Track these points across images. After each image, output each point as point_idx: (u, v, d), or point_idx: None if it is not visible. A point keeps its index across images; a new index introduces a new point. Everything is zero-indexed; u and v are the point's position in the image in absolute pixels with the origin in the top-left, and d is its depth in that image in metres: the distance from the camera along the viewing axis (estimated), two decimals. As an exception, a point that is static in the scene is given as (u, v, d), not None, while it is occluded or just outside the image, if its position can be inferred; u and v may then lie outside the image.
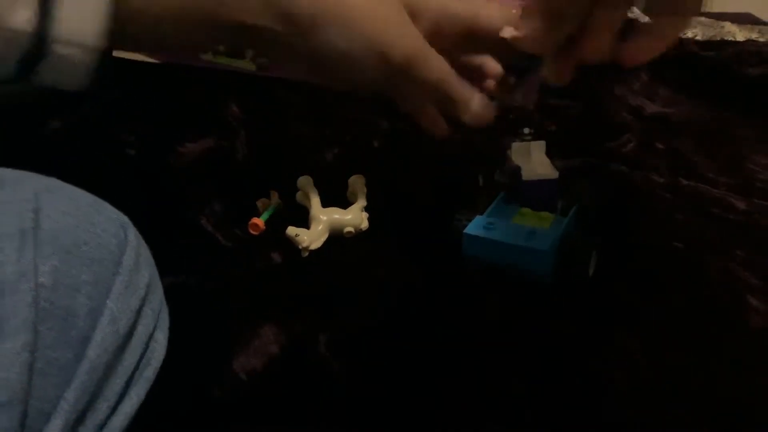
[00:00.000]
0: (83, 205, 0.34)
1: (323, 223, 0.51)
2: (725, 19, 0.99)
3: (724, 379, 0.40)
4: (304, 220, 0.52)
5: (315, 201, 0.53)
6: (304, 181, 0.55)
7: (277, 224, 0.52)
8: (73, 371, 0.29)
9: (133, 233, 0.35)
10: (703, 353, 0.42)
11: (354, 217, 0.52)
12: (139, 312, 0.34)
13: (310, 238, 0.50)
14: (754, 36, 0.96)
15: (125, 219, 0.36)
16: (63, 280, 0.30)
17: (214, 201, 0.57)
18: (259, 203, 0.55)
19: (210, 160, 0.63)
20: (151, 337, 0.35)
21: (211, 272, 0.49)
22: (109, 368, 0.31)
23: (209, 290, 0.47)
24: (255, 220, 0.53)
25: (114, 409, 0.32)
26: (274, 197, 0.56)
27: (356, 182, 0.56)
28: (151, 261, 0.37)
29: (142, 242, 0.36)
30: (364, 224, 0.53)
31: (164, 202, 0.57)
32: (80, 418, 0.29)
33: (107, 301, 0.31)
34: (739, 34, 0.96)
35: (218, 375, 0.40)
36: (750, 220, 0.56)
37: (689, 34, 0.96)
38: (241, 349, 0.42)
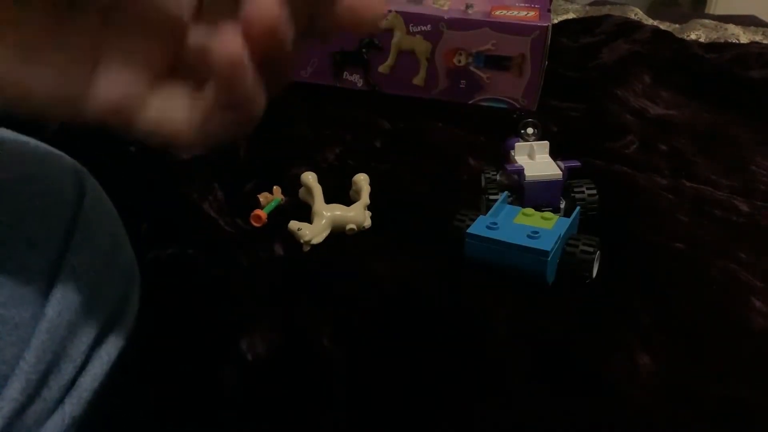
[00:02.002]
0: (35, 156, 0.32)
1: (326, 218, 0.51)
2: (729, 22, 0.99)
3: (726, 380, 0.40)
4: (306, 217, 0.52)
5: (318, 197, 0.53)
6: (308, 176, 0.55)
7: (279, 220, 0.52)
8: (32, 330, 0.28)
9: (91, 184, 0.33)
10: (705, 354, 0.42)
11: (357, 214, 0.52)
12: (104, 268, 0.32)
13: (312, 232, 0.50)
14: (758, 38, 0.96)
15: (82, 169, 0.33)
16: (14, 234, 0.28)
17: (217, 191, 0.57)
18: (261, 197, 0.55)
19: (212, 156, 0.63)
20: (121, 295, 0.33)
21: (212, 259, 0.49)
22: (73, 326, 0.30)
23: (211, 277, 0.47)
24: (257, 211, 0.53)
25: (81, 370, 0.30)
26: (277, 192, 0.56)
27: (360, 180, 0.56)
28: (116, 215, 0.35)
29: (103, 194, 0.34)
30: (367, 222, 0.53)
31: (166, 192, 0.57)
32: (43, 378, 0.28)
33: (67, 255, 0.30)
34: (743, 36, 0.96)
35: (220, 361, 0.40)
36: (753, 222, 0.56)
37: (693, 36, 0.96)
38: (244, 337, 0.42)
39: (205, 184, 0.58)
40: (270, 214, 0.53)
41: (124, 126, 0.27)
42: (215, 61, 0.25)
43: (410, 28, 0.74)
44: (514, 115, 0.59)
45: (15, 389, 0.27)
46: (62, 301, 0.29)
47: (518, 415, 0.38)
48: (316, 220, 0.51)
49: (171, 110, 0.27)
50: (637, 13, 1.03)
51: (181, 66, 0.28)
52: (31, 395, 0.28)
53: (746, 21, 1.00)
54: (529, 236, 0.46)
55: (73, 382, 0.30)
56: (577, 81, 0.83)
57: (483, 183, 0.58)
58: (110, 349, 0.32)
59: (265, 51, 0.26)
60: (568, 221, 0.49)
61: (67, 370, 0.30)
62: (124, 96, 0.27)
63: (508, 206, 0.52)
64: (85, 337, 0.30)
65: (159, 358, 0.40)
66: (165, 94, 0.27)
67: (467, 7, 0.75)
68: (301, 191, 0.56)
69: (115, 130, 0.27)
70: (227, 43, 0.25)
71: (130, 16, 0.27)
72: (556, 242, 0.46)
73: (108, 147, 0.64)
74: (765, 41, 0.95)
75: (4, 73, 0.24)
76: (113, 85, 0.26)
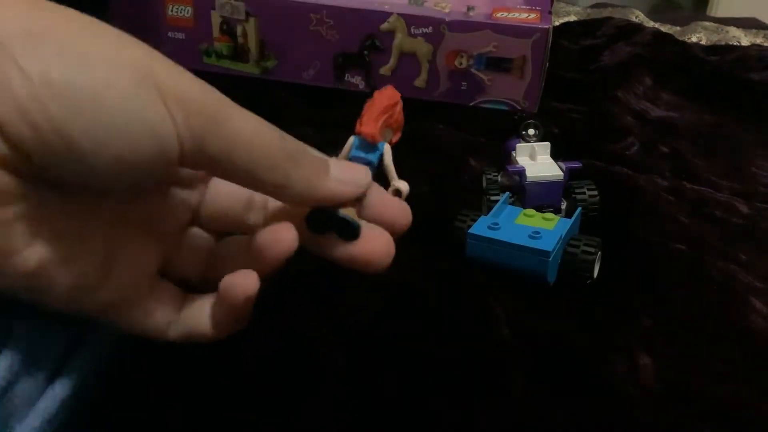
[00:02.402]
0: None
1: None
2: (730, 24, 1.00)
3: (726, 381, 0.40)
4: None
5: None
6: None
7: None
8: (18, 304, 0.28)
9: None
10: (705, 355, 0.42)
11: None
12: None
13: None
14: (759, 41, 0.96)
15: None
16: None
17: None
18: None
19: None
20: None
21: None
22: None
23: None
24: None
25: (72, 347, 0.30)
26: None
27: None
28: None
29: None
30: (368, 223, 0.53)
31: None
32: (31, 355, 0.29)
33: None
34: (744, 38, 0.96)
35: (219, 361, 0.40)
36: (753, 224, 0.56)
37: (694, 38, 0.97)
38: (243, 337, 0.42)
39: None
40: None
41: (108, 320, 0.30)
42: (231, 296, 0.29)
43: (411, 30, 0.74)
44: (515, 117, 0.59)
45: (1, 367, 0.27)
46: None
47: (518, 415, 0.38)
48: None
49: (155, 313, 0.30)
50: (638, 16, 1.03)
51: (170, 270, 0.32)
52: (18, 373, 0.28)
53: (747, 23, 1.01)
54: (530, 236, 0.46)
55: (63, 360, 0.30)
56: (578, 83, 0.83)
57: (484, 184, 0.58)
58: (103, 328, 0.32)
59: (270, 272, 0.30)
60: (569, 222, 0.49)
61: (58, 347, 0.30)
62: (124, 294, 0.29)
63: (510, 207, 0.52)
64: (73, 319, 0.31)
65: (156, 356, 0.40)
66: (153, 298, 0.30)
67: (468, 9, 0.75)
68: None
69: (98, 321, 0.30)
70: (246, 280, 0.28)
71: (141, 216, 0.30)
72: (558, 242, 0.46)
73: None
74: (766, 44, 0.95)
75: (38, 264, 0.25)
76: (117, 284, 0.28)
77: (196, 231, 0.33)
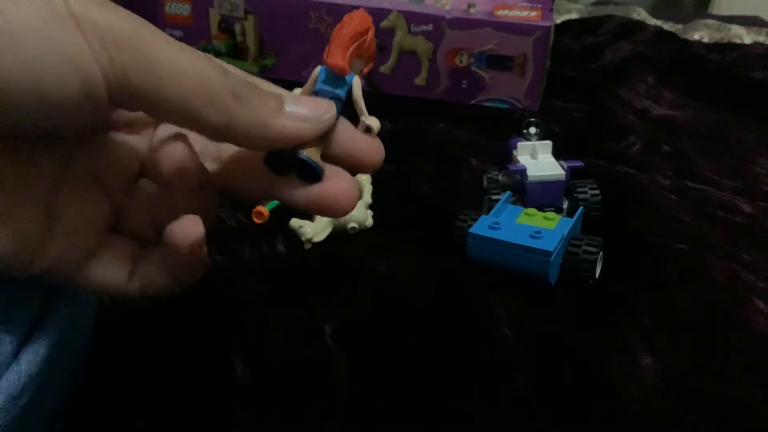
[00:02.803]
0: None
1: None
2: (733, 22, 0.99)
3: (728, 381, 0.40)
4: (308, 215, 0.52)
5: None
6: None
7: (280, 217, 0.52)
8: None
9: None
10: (707, 355, 0.42)
11: (359, 213, 0.52)
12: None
13: (314, 230, 0.50)
14: (761, 39, 0.95)
15: None
16: None
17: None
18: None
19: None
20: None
21: (212, 253, 0.49)
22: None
23: (210, 271, 0.47)
24: (259, 207, 0.52)
25: (37, 323, 0.29)
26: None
27: (362, 180, 0.56)
28: None
29: None
30: (369, 221, 0.53)
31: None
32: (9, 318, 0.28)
33: None
34: (746, 36, 0.96)
35: (218, 360, 0.40)
36: (755, 223, 0.56)
37: (696, 36, 0.96)
38: (243, 336, 0.42)
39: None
40: (272, 211, 0.53)
41: (65, 280, 0.28)
42: (176, 243, 0.27)
43: (412, 28, 0.74)
44: (516, 115, 0.58)
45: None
46: None
47: (519, 415, 0.38)
48: (317, 218, 0.51)
49: (111, 268, 0.29)
50: (640, 13, 1.03)
51: (124, 225, 0.31)
52: None
53: (750, 21, 1.00)
54: (531, 236, 0.46)
55: (28, 335, 0.29)
56: (580, 81, 0.83)
57: (485, 183, 0.57)
58: (68, 303, 0.31)
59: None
60: (571, 221, 0.49)
61: (23, 321, 0.28)
62: (72, 250, 0.28)
63: (511, 206, 0.51)
64: (38, 291, 0.29)
65: (156, 355, 0.40)
66: (107, 252, 0.29)
67: (469, 6, 0.75)
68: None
69: (53, 282, 0.29)
70: (189, 225, 0.27)
71: (85, 167, 0.28)
72: (559, 242, 0.46)
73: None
74: (768, 42, 0.95)
75: None
76: (63, 241, 0.27)
77: (145, 183, 0.31)
